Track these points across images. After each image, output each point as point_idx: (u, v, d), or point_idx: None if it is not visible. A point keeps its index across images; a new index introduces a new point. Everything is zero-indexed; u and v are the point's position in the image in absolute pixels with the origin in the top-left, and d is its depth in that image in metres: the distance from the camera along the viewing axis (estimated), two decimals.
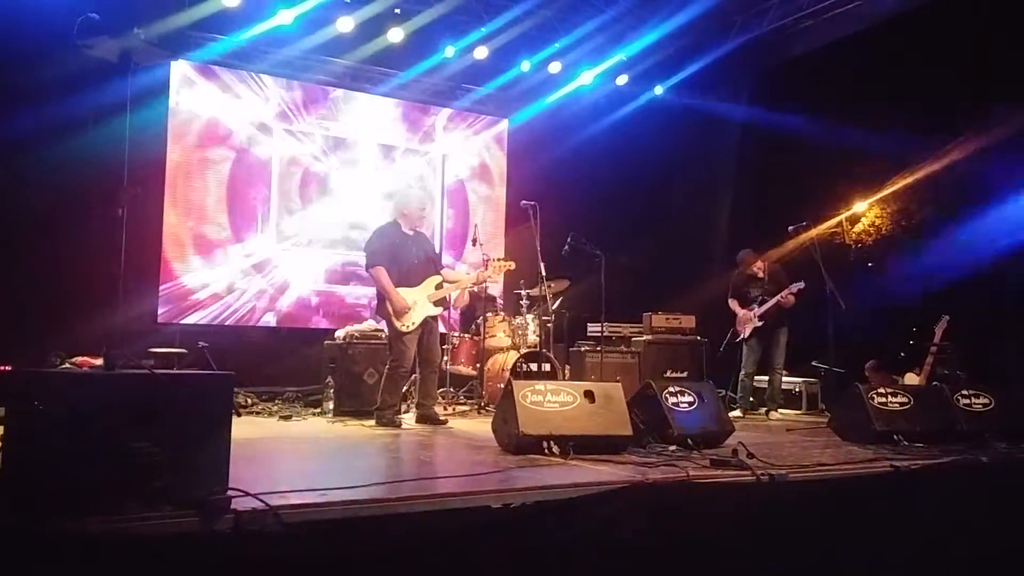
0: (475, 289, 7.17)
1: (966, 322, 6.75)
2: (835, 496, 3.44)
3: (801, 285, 6.69)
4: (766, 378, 7.02)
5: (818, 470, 3.58)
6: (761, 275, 6.97)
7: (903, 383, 6.57)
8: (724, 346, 7.18)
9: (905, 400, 4.71)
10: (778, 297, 6.75)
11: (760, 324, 6.83)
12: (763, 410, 6.90)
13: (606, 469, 3.41)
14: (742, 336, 6.97)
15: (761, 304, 6.85)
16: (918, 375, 6.76)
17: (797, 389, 7.44)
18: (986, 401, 4.84)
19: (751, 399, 7.04)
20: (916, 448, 4.29)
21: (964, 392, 4.85)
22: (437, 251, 6.22)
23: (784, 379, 7.12)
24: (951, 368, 6.57)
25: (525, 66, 8.72)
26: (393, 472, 3.54)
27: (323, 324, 8.14)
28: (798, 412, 7.24)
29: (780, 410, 6.92)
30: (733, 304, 7.09)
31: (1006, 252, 7.05)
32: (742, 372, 6.93)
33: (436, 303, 5.52)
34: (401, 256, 5.44)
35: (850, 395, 4.84)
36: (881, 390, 4.74)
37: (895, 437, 4.44)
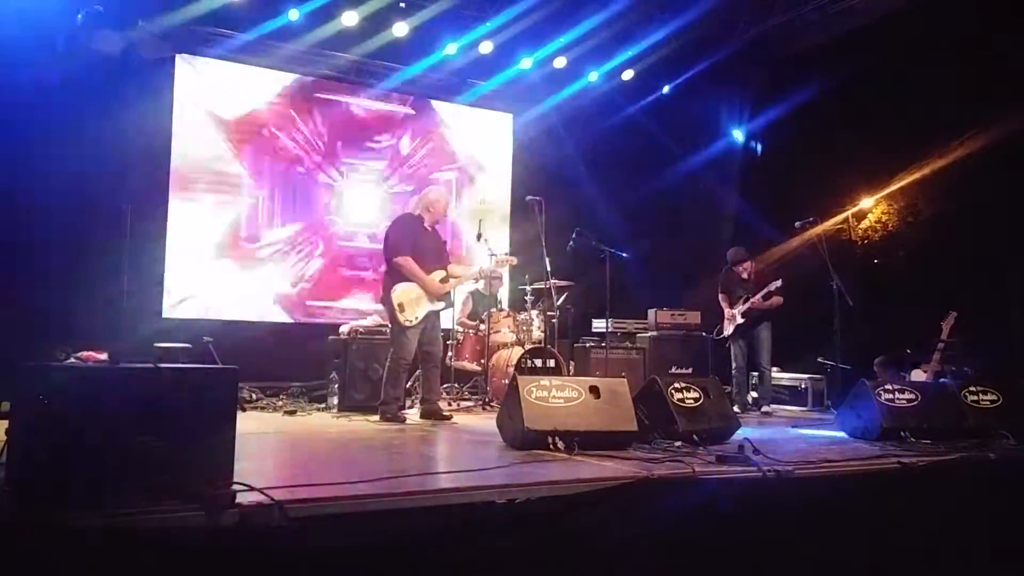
0: (481, 287, 7.16)
1: (973, 318, 6.70)
2: (841, 492, 3.42)
3: (779, 283, 6.73)
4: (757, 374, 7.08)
5: (824, 466, 3.57)
6: (746, 276, 7.02)
7: (911, 379, 6.54)
8: (715, 334, 7.28)
9: (912, 396, 4.68)
10: (758, 296, 6.77)
11: (742, 321, 6.90)
12: (756, 407, 6.90)
13: (611, 465, 3.40)
14: (726, 334, 7.06)
15: (745, 302, 6.89)
16: (925, 371, 6.72)
17: (803, 386, 7.41)
18: (994, 397, 4.81)
19: (750, 396, 7.05)
20: (923, 445, 4.27)
21: (972, 388, 4.82)
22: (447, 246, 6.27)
23: (790, 376, 7.03)
24: (959, 364, 6.54)
25: (528, 63, 8.68)
26: (397, 467, 3.53)
27: (327, 319, 8.13)
28: (804, 409, 7.22)
29: (775, 405, 6.92)
30: (723, 300, 7.15)
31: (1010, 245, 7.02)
32: (733, 367, 6.97)
33: (440, 298, 5.52)
34: (420, 249, 5.48)
35: (857, 391, 4.82)
36: (888, 386, 4.72)
37: (902, 434, 4.42)
